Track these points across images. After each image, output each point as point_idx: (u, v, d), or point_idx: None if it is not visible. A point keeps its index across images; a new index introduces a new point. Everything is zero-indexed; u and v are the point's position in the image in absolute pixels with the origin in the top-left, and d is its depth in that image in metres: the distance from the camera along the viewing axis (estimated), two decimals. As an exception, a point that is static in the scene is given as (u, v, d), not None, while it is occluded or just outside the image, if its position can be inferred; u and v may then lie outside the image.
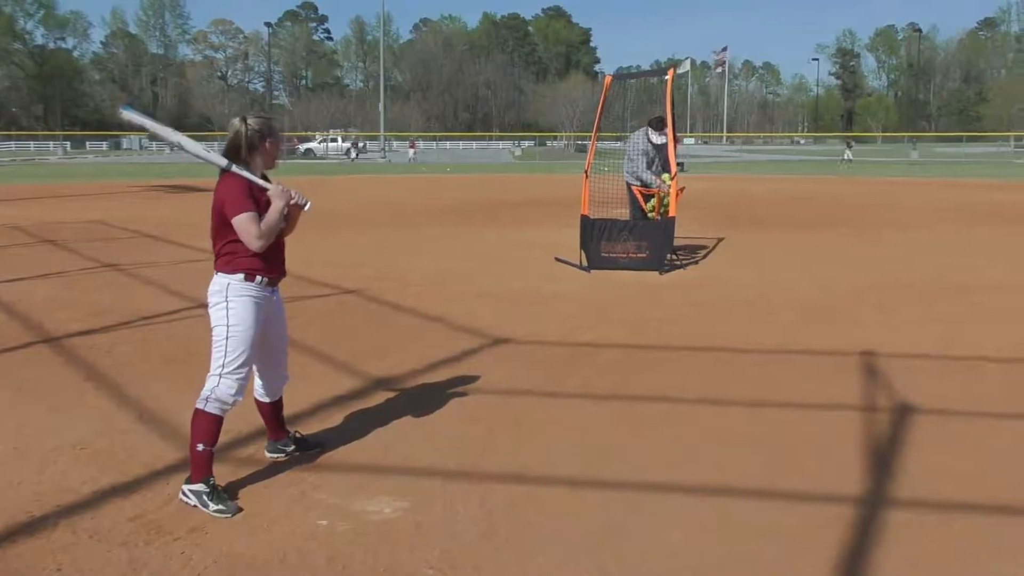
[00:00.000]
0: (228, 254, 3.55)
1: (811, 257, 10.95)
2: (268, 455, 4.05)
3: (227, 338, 3.52)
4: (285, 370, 3.95)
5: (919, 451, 4.13)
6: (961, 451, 4.15)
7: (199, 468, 3.50)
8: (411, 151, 55.32)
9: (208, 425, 3.53)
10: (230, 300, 3.53)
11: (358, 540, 3.23)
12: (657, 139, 10.04)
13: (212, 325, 3.57)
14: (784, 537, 3.26)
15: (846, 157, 47.08)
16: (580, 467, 3.96)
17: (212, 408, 3.53)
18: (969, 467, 3.94)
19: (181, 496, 3.52)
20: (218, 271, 3.58)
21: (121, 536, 3.24)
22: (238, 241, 3.52)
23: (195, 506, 3.46)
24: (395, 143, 56.30)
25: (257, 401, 3.95)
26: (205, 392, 3.54)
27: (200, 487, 3.48)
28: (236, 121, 3.59)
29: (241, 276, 3.54)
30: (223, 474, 3.67)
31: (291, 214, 3.66)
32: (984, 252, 11.42)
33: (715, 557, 3.12)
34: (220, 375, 3.53)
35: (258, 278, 3.56)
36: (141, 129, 3.85)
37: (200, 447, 3.51)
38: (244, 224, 3.46)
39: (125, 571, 3.00)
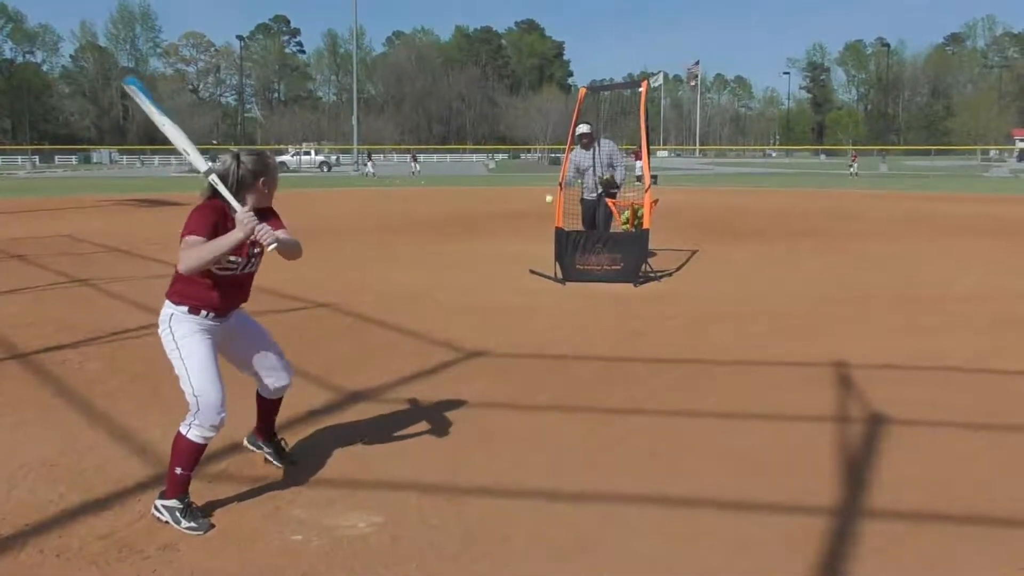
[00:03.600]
0: (181, 281, 3.47)
1: (783, 268, 11.06)
2: (246, 443, 4.07)
3: (182, 359, 3.44)
4: (283, 371, 3.86)
5: (891, 461, 4.17)
6: (932, 461, 4.20)
7: (175, 487, 3.45)
8: (414, 164, 51.71)
9: (189, 450, 3.45)
10: (173, 326, 3.46)
11: (332, 556, 3.20)
12: (585, 152, 10.68)
13: (166, 352, 3.50)
14: (757, 548, 3.27)
15: (852, 171, 48.10)
16: (555, 480, 3.96)
17: (194, 435, 3.44)
18: (940, 477, 3.98)
19: (153, 511, 3.48)
20: (167, 297, 3.51)
21: (90, 555, 3.19)
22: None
23: (167, 522, 3.41)
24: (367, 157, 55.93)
25: (258, 394, 3.95)
26: (188, 417, 3.45)
27: (174, 503, 3.43)
28: (228, 158, 3.44)
29: (185, 309, 3.46)
30: (196, 490, 3.61)
31: (257, 245, 3.49)
32: (953, 263, 11.59)
33: (689, 569, 3.13)
34: (195, 396, 3.43)
35: (203, 312, 3.48)
36: (137, 105, 3.73)
37: (178, 470, 3.45)
38: (186, 245, 3.29)
39: (95, 590, 2.95)
